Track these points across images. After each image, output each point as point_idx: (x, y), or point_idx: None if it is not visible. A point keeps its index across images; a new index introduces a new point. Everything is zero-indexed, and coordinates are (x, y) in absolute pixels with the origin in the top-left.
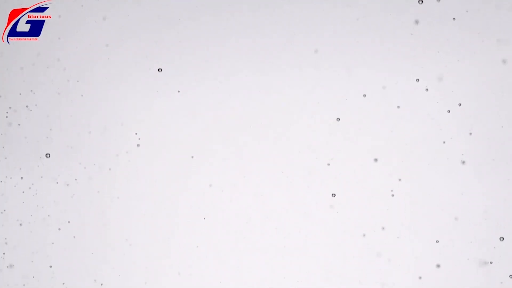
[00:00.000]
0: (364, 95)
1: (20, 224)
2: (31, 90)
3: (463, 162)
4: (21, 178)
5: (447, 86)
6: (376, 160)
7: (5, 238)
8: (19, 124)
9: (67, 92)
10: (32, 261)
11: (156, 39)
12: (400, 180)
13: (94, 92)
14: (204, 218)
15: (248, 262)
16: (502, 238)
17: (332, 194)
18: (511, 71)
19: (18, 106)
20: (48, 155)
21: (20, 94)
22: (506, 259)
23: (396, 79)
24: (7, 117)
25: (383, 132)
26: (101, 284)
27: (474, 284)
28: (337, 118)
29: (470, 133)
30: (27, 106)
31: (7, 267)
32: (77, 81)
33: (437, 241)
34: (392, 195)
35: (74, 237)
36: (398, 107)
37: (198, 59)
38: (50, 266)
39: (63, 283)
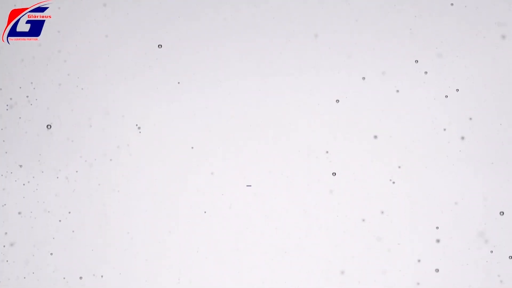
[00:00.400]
0: (363, 78)
1: (21, 218)
2: (31, 83)
3: (462, 149)
4: (22, 172)
5: (446, 68)
6: (375, 145)
7: (6, 233)
8: (19, 117)
9: (67, 85)
10: (33, 255)
11: (156, 33)
12: (399, 167)
13: (94, 85)
14: (205, 212)
15: (250, 249)
16: (501, 219)
17: (333, 173)
18: (510, 55)
19: (18, 99)
20: (49, 126)
21: (20, 87)
22: (506, 242)
23: (395, 63)
24: (7, 109)
25: (382, 119)
26: (101, 276)
27: (474, 268)
28: (336, 100)
29: (470, 118)
30: (27, 97)
31: (7, 261)
32: (78, 74)
33: (437, 227)
34: (393, 182)
35: (73, 231)
36: (397, 91)
37: (198, 49)
38: (51, 254)
39: (64, 278)
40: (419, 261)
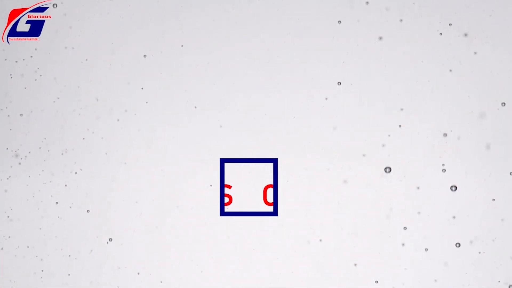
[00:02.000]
0: (367, 2)
1: (27, 194)
2: (36, 49)
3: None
4: (28, 147)
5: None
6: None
7: (11, 209)
8: (25, 88)
9: (72, 58)
10: (40, 228)
11: (157, 32)
12: (402, 109)
13: (98, 56)
14: (211, 185)
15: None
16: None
17: (338, 84)
18: None
19: (24, 71)
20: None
21: (23, 59)
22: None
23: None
24: (11, 78)
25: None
26: (107, 241)
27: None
28: (339, 21)
29: (475, 52)
30: (35, 69)
31: (9, 237)
32: (82, 46)
33: (443, 167)
34: (399, 126)
35: (70, 207)
36: (401, 23)
37: (200, 16)
38: (55, 235)
39: (69, 255)
40: (418, 188)
